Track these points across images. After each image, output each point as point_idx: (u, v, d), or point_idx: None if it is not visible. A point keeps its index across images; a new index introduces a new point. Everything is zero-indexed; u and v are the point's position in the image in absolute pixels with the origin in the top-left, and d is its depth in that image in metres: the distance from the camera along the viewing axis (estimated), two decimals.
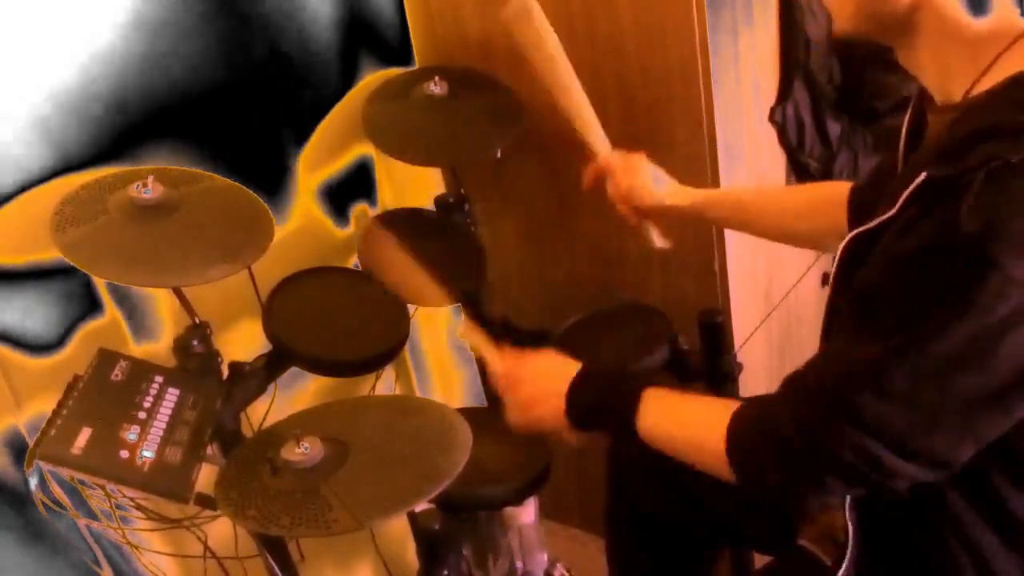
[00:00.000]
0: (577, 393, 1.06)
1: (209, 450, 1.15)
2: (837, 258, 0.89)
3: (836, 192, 1.20)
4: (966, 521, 0.89)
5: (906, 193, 0.79)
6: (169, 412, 1.12)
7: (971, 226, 0.73)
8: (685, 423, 0.99)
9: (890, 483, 0.83)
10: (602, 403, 1.06)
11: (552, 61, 1.36)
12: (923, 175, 0.77)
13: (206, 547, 1.28)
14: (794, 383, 0.89)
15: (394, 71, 1.69)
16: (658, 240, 1.38)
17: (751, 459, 0.91)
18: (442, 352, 1.97)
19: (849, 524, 1.00)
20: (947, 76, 0.86)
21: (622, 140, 1.56)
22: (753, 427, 0.91)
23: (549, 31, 1.36)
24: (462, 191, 1.70)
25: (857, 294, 0.83)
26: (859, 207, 1.15)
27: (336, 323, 1.42)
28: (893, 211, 0.80)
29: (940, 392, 0.77)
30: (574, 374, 1.08)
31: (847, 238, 0.87)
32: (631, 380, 1.05)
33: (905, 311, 0.78)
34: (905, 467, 0.81)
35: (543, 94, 1.60)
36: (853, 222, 1.17)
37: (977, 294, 0.73)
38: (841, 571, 1.00)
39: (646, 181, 1.35)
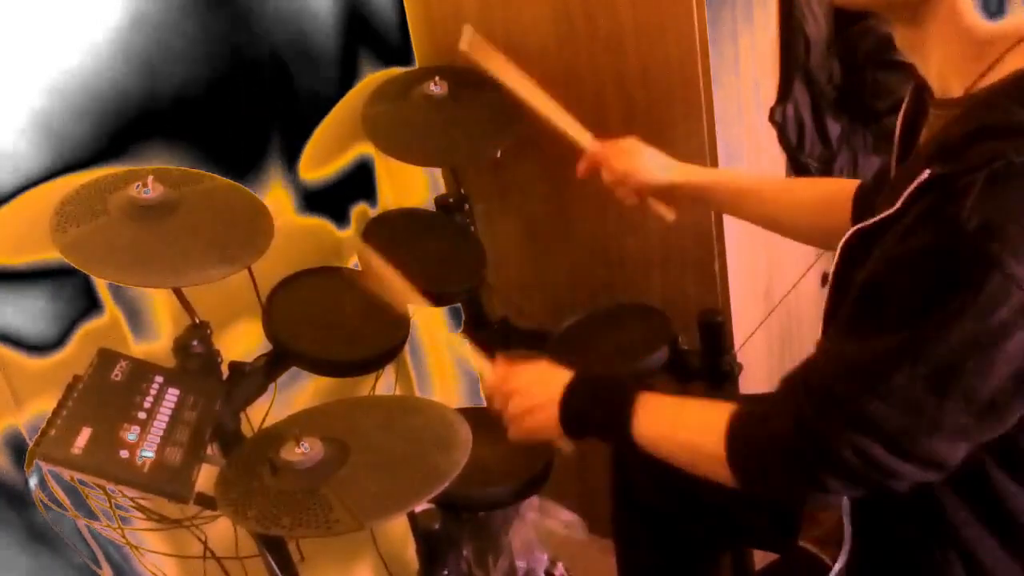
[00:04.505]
0: (571, 401, 1.06)
1: (209, 450, 1.15)
2: (837, 255, 0.89)
3: (844, 189, 1.19)
4: (959, 520, 0.89)
5: (908, 190, 0.78)
6: (169, 412, 1.12)
7: (972, 225, 0.72)
8: (681, 427, 0.99)
9: (890, 483, 0.83)
10: (596, 410, 1.05)
11: (516, 77, 1.43)
12: (926, 172, 0.77)
13: (206, 547, 1.28)
14: (792, 384, 0.89)
15: (394, 71, 1.69)
16: (667, 214, 1.39)
17: (751, 462, 0.91)
18: (442, 352, 1.97)
19: (846, 522, 1.00)
20: (950, 68, 0.85)
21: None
22: (752, 429, 0.91)
23: (498, 53, 1.44)
24: (462, 191, 1.70)
25: (858, 293, 0.83)
26: (863, 207, 1.15)
27: (336, 323, 1.41)
28: (895, 208, 0.80)
29: (939, 394, 0.77)
30: (567, 381, 1.08)
31: (848, 234, 0.87)
32: (625, 385, 1.05)
33: (905, 312, 0.78)
34: (904, 468, 0.81)
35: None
36: (855, 220, 1.17)
37: (978, 295, 0.73)
38: (836, 567, 1.01)
39: (642, 163, 1.35)
